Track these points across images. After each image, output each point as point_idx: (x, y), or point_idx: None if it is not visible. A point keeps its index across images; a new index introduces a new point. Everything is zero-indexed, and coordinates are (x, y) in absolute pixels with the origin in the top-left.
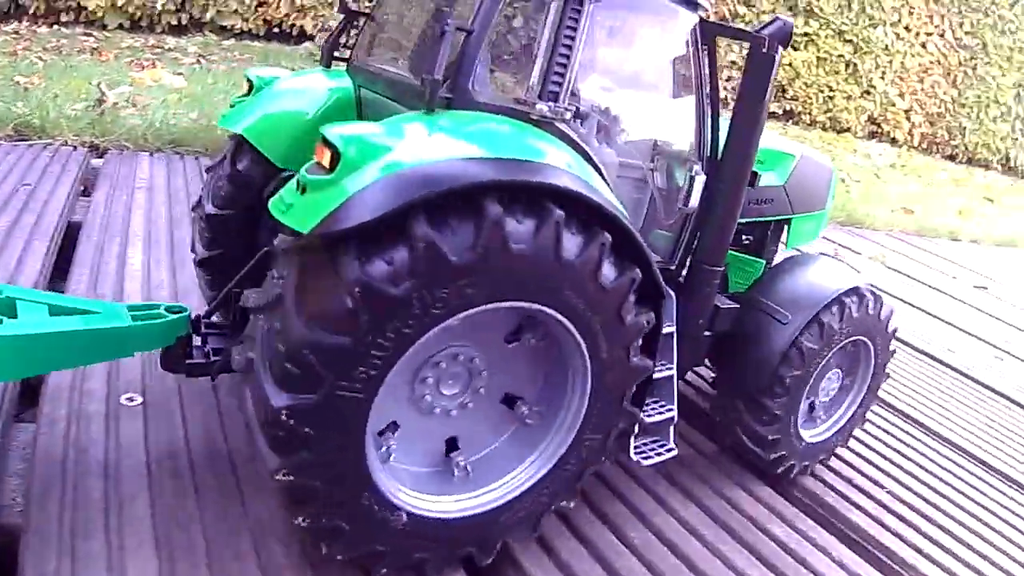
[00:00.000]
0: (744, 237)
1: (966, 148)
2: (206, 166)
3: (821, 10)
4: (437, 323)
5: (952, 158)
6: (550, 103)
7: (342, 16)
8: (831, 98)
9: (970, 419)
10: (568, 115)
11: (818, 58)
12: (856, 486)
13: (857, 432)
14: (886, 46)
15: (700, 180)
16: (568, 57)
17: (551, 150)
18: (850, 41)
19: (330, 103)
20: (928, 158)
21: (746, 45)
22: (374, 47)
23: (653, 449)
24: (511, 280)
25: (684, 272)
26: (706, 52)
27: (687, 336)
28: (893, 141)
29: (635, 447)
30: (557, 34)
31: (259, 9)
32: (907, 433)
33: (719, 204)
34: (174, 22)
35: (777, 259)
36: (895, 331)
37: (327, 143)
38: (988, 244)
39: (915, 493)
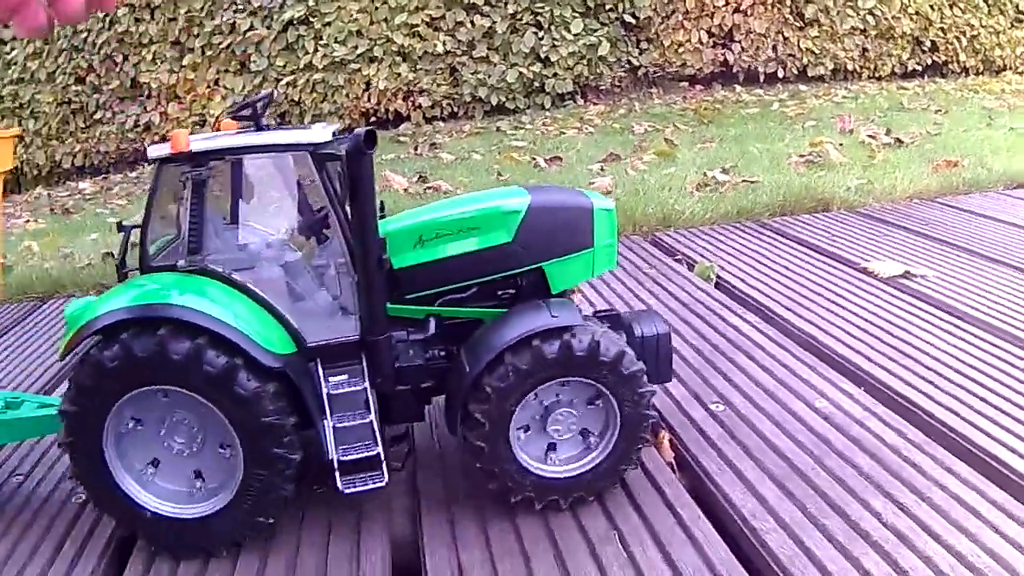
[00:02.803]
0: (499, 293)
1: None
2: None
3: None
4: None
5: None
6: (190, 257)
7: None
8: (975, 36)
9: None
10: (206, 263)
11: None
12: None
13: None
14: None
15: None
16: (197, 222)
17: (179, 289)
18: None
19: None
20: None
21: None
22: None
23: (362, 479)
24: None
25: None
26: (325, 174)
27: (383, 393)
28: None
29: (343, 480)
30: (187, 206)
31: None
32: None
33: (361, 291)
34: None
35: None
36: (649, 395)
37: None
38: None
39: None
